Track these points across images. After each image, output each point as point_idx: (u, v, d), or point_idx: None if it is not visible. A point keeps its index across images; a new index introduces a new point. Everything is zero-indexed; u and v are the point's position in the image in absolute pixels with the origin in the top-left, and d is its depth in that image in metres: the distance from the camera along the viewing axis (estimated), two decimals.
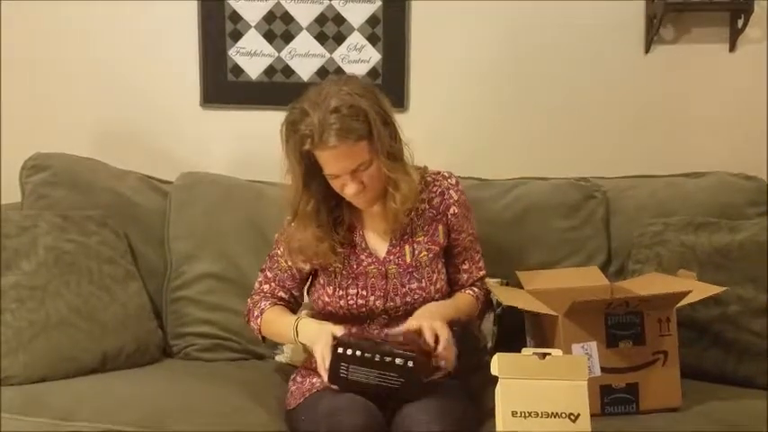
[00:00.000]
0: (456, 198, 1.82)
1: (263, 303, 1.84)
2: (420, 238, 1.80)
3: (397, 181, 1.69)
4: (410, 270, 1.78)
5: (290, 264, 1.83)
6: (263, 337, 1.88)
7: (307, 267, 1.82)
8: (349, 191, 1.67)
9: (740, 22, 2.40)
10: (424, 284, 1.78)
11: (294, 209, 1.74)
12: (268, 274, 1.87)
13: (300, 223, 1.74)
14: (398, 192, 1.70)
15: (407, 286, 1.78)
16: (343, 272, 1.78)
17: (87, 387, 1.86)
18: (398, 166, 1.69)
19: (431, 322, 1.64)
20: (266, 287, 1.87)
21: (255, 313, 1.85)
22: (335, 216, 1.78)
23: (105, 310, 2.01)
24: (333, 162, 1.63)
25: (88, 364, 1.95)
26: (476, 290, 1.88)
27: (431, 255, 1.80)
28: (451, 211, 1.81)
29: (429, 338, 1.62)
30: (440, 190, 1.82)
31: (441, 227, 1.82)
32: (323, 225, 1.74)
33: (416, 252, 1.79)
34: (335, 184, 1.69)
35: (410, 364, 1.54)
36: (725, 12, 2.43)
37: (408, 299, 1.78)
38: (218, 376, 1.97)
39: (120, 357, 2.01)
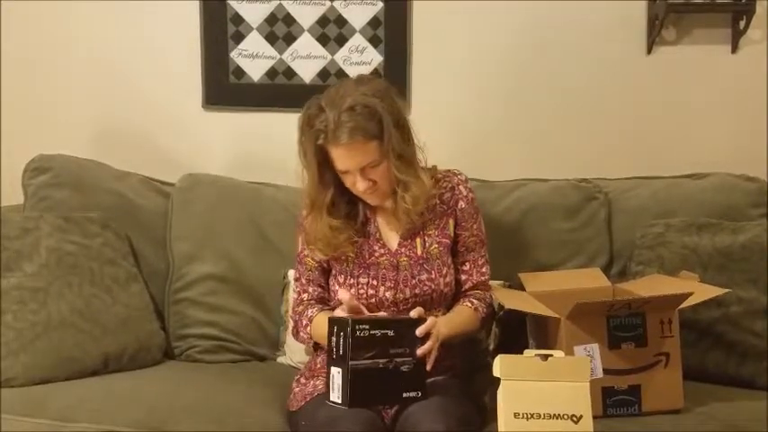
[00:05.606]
0: (465, 194, 1.87)
1: (310, 311, 1.81)
2: (431, 232, 1.83)
3: (406, 183, 1.74)
4: (420, 262, 1.80)
5: (315, 260, 1.84)
6: (317, 346, 1.83)
7: (327, 257, 1.82)
8: (359, 187, 1.72)
9: (742, 24, 2.40)
10: (433, 276, 1.79)
11: (312, 200, 1.78)
12: (303, 280, 1.87)
13: (317, 215, 1.77)
14: (407, 193, 1.74)
15: (417, 277, 1.79)
16: (356, 261, 1.80)
17: (89, 388, 1.86)
18: (409, 169, 1.74)
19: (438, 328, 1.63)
20: (305, 296, 1.86)
21: (304, 322, 1.81)
22: (350, 210, 1.82)
23: (107, 312, 2.01)
24: (343, 158, 1.69)
25: (90, 365, 1.95)
26: (475, 301, 1.85)
27: (441, 247, 1.82)
28: (460, 205, 1.85)
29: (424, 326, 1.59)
30: (450, 185, 1.86)
31: (450, 220, 1.85)
32: (340, 217, 1.78)
33: (427, 244, 1.82)
34: (347, 181, 1.74)
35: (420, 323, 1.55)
36: (727, 13, 2.43)
37: (418, 290, 1.78)
38: (220, 378, 1.97)
39: (122, 359, 2.01)
